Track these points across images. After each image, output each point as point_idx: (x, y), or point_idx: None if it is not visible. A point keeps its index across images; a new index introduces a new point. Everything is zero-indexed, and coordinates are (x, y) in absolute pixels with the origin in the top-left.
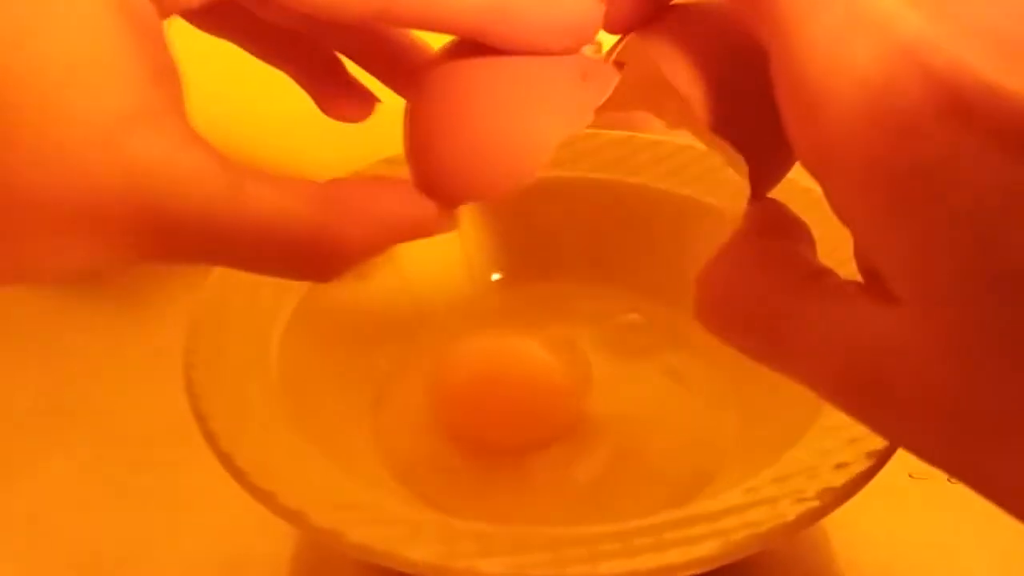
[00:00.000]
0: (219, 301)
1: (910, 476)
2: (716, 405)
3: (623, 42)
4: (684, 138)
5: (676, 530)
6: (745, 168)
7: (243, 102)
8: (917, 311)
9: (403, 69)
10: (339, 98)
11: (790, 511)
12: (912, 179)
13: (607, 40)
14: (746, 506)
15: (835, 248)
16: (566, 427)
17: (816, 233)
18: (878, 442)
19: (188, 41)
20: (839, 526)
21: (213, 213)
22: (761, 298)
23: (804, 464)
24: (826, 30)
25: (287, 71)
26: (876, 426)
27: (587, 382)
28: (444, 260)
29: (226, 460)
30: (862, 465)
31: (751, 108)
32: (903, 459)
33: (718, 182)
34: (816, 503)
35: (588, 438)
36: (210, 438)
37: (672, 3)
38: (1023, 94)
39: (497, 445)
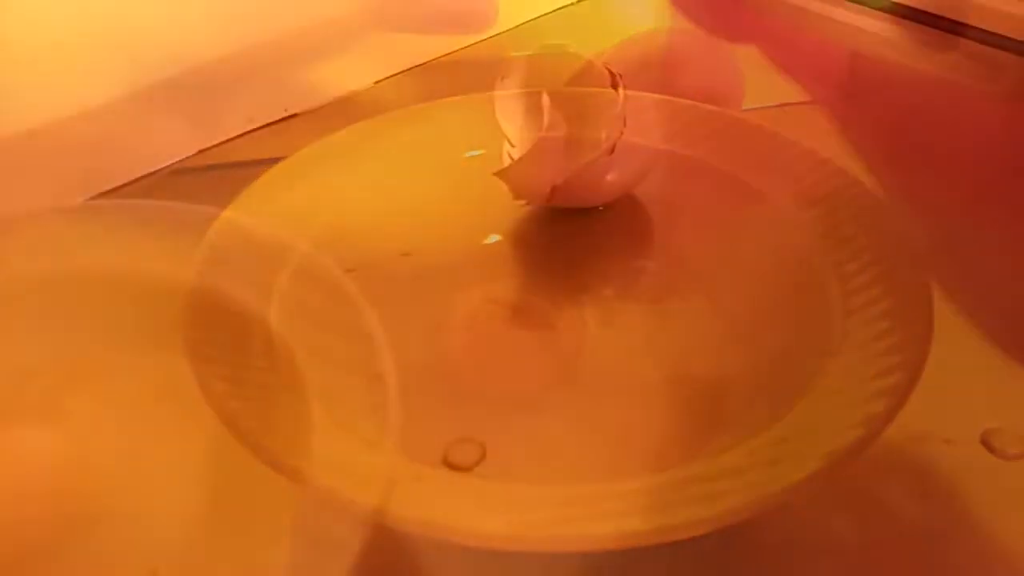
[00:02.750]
0: (217, 262)
1: (946, 442)
2: (722, 356)
3: None
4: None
5: (673, 492)
6: None
7: None
8: None
9: None
10: None
11: (791, 474)
12: None
13: None
14: (747, 468)
15: None
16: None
17: None
18: (879, 406)
19: None
20: None
21: None
22: None
23: (806, 426)
24: None
25: None
26: None
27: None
28: (444, 221)
29: (230, 422)
30: (863, 429)
31: None
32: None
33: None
34: (817, 466)
35: (598, 388)
36: (212, 399)
37: None
38: None
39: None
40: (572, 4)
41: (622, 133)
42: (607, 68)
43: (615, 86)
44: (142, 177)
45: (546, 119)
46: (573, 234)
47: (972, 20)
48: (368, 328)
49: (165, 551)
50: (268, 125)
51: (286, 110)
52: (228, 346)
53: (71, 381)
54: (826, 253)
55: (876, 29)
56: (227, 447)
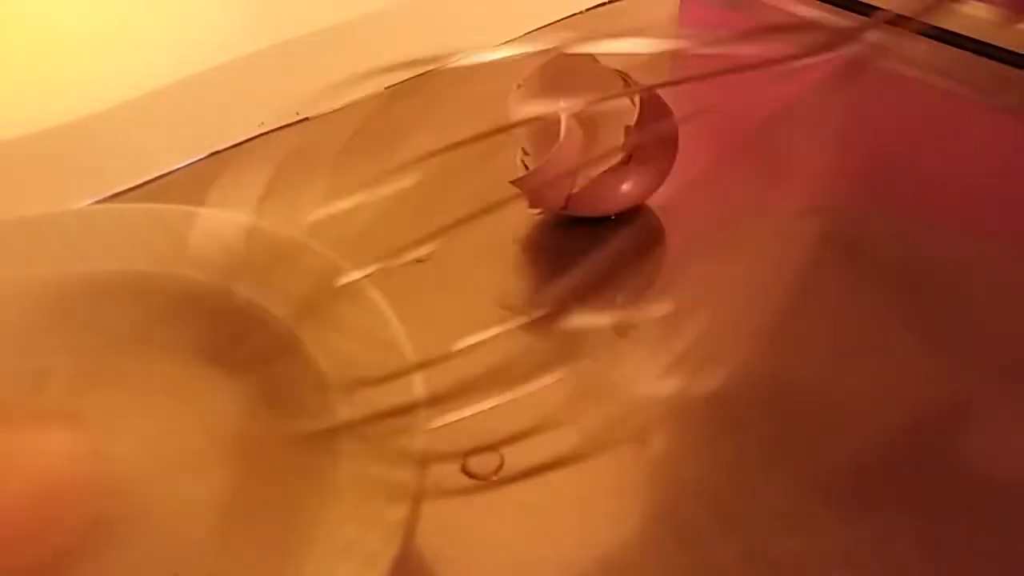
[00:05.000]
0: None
1: None
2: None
3: None
4: None
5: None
6: None
7: None
8: None
9: None
10: None
11: None
12: None
13: None
14: None
15: None
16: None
17: None
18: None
19: None
20: None
21: None
22: None
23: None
24: None
25: None
26: None
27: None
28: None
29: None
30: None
31: None
32: None
33: None
34: None
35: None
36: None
37: None
38: None
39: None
40: (584, 12)
41: (638, 144)
42: (624, 78)
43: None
44: (155, 179)
45: (562, 128)
46: (586, 243)
47: (980, 35)
48: (392, 336)
49: (186, 556)
50: (280, 128)
51: (297, 114)
52: (249, 351)
53: (89, 383)
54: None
55: (881, 41)
56: (248, 454)
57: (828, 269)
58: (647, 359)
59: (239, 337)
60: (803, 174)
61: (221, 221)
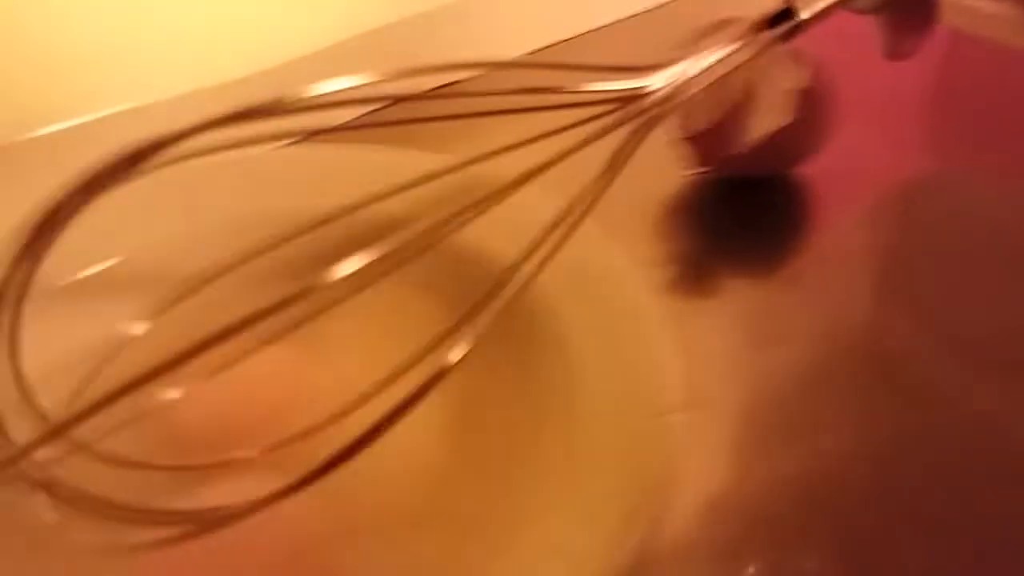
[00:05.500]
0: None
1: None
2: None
3: None
4: None
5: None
6: None
7: None
8: None
9: None
10: None
11: None
12: None
13: None
14: None
15: None
16: None
17: None
18: None
19: None
20: None
21: None
22: None
23: None
24: None
25: None
26: None
27: None
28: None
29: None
30: None
31: None
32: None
33: None
34: None
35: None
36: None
37: None
38: None
39: None
40: None
41: (804, 103)
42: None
43: (798, 59)
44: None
45: (737, 88)
46: (735, 205)
47: None
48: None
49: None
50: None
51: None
52: (457, 283)
53: (304, 308)
54: None
55: (983, 7)
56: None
57: (948, 238)
58: None
59: (449, 270)
60: (923, 141)
61: (424, 160)
